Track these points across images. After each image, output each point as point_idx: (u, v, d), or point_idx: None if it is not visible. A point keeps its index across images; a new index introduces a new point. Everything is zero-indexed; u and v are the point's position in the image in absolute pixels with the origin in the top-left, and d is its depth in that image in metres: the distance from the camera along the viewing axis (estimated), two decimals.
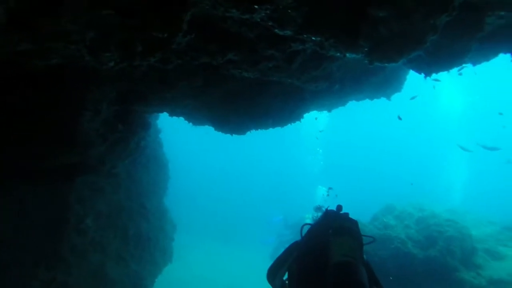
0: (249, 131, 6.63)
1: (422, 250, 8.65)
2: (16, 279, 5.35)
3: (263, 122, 6.30)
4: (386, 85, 6.88)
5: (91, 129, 4.70)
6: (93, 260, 6.70)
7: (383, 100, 7.70)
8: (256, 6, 2.64)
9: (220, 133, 6.77)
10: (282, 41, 3.37)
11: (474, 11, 3.53)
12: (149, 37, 2.71)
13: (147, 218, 8.59)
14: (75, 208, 6.16)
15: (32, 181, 5.25)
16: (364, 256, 2.50)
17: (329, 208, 3.21)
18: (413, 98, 13.08)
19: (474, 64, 5.44)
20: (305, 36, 3.00)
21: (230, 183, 38.94)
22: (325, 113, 8.87)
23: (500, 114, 17.05)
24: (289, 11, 2.73)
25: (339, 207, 3.05)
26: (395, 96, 7.62)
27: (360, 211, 8.20)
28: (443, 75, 5.55)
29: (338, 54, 3.23)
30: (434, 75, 4.84)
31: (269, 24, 2.88)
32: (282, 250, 3.10)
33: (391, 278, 7.56)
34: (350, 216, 2.88)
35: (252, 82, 5.13)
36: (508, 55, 4.88)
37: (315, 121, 12.92)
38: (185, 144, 35.69)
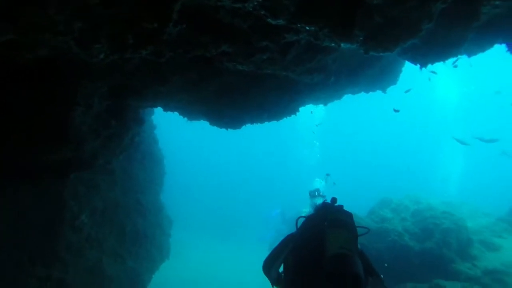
0: (244, 125, 6.59)
1: (419, 242, 8.71)
2: (12, 277, 5.31)
3: (259, 116, 6.27)
4: (382, 77, 6.85)
5: (83, 124, 4.64)
6: (89, 256, 6.66)
7: (378, 93, 7.68)
8: None
9: (215, 128, 6.73)
10: (275, 31, 3.32)
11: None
12: (140, 28, 2.65)
13: (143, 215, 8.56)
14: (70, 204, 6.10)
15: (26, 178, 5.19)
16: (359, 246, 2.51)
17: (323, 194, 3.24)
18: (407, 91, 13.06)
19: (469, 55, 5.42)
20: (298, 25, 2.95)
21: (227, 178, 39.00)
22: (321, 107, 8.85)
23: (498, 92, 16.88)
24: None
25: (334, 200, 3.07)
26: (391, 89, 7.60)
27: (357, 204, 8.25)
28: (438, 67, 5.53)
29: (333, 44, 3.18)
30: (430, 66, 4.81)
31: (262, 13, 2.82)
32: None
33: (386, 265, 7.63)
34: (345, 208, 2.89)
35: (246, 76, 5.08)
36: (504, 45, 4.85)
37: (311, 115, 12.90)
38: (180, 140, 35.65)
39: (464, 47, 4.54)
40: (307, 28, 2.95)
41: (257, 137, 37.44)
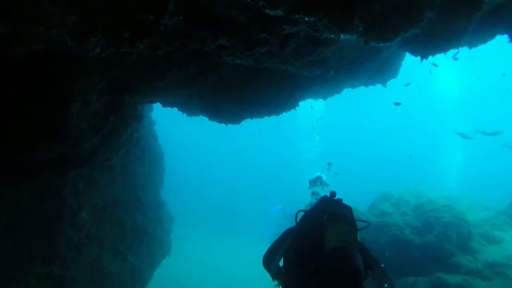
0: (244, 120, 6.55)
1: (420, 236, 8.72)
2: (12, 275, 5.30)
3: (258, 110, 6.22)
4: (382, 71, 6.79)
5: (81, 120, 4.60)
6: (90, 254, 6.65)
7: (378, 86, 7.62)
8: None
9: (215, 124, 6.69)
10: (274, 23, 3.26)
11: None
12: (135, 20, 2.60)
13: (144, 211, 8.55)
14: (70, 201, 6.08)
15: (25, 176, 5.16)
16: (359, 239, 2.51)
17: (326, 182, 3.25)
18: (407, 85, 13.01)
19: (470, 47, 5.36)
20: (297, 16, 2.89)
21: (227, 174, 39.02)
22: (321, 101, 8.79)
23: (504, 75, 16.69)
24: None
25: (333, 193, 3.05)
26: (391, 82, 7.54)
27: (357, 198, 8.23)
28: (439, 59, 5.47)
29: (333, 35, 3.13)
30: (430, 58, 4.76)
31: (260, 4, 2.77)
32: None
33: (387, 254, 7.65)
34: (344, 202, 2.88)
35: (245, 70, 5.03)
36: (506, 36, 4.80)
37: (311, 109, 12.84)
38: (181, 136, 35.59)
39: (465, 38, 4.48)
40: (306, 19, 2.90)
41: (257, 133, 37.37)
